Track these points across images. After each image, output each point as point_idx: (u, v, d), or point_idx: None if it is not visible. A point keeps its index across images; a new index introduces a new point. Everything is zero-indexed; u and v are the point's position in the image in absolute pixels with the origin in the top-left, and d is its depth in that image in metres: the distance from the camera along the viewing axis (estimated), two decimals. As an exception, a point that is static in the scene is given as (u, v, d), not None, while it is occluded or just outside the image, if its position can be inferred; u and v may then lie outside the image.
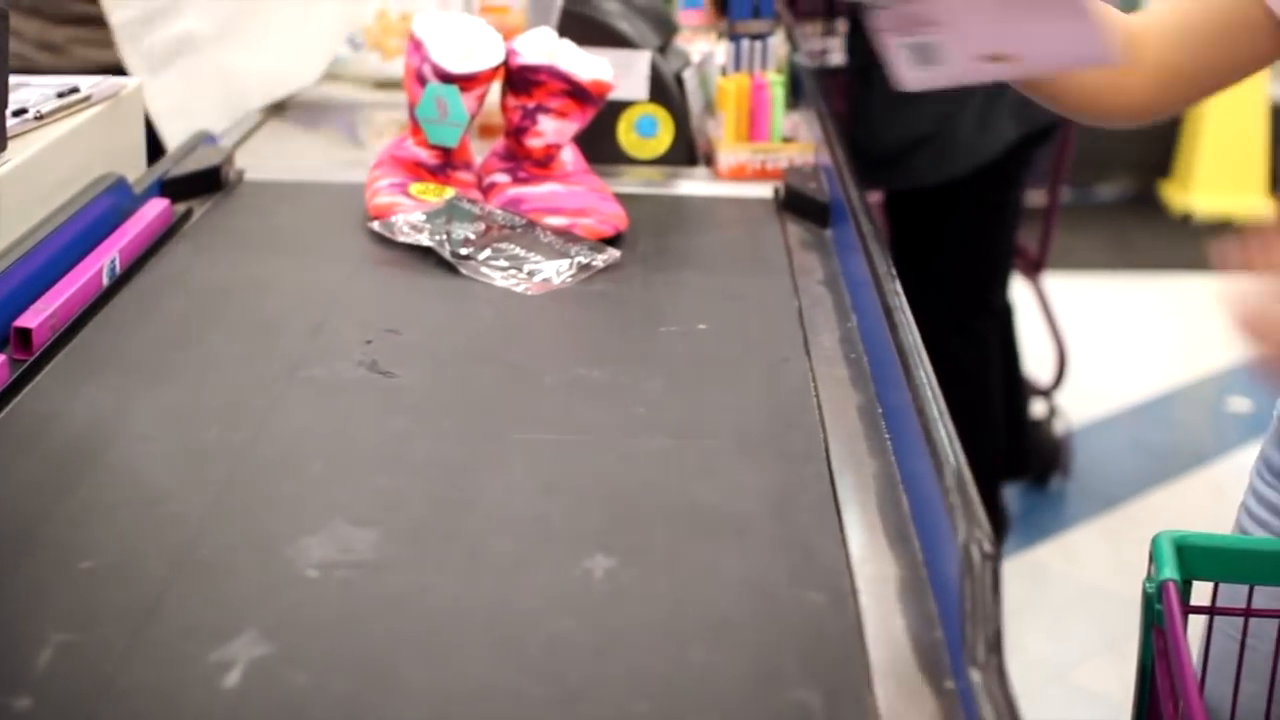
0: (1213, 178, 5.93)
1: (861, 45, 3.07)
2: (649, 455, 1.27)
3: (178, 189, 1.87)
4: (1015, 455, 3.62)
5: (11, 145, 1.59)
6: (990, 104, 2.95)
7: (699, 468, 1.25)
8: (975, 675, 0.94)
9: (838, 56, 3.43)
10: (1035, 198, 3.97)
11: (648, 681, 0.97)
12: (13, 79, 1.68)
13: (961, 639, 0.98)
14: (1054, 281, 4.12)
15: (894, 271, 1.53)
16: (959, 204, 3.09)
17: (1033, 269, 4.00)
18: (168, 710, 0.93)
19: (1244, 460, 3.27)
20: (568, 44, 1.88)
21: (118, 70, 2.20)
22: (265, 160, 2.12)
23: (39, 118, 1.67)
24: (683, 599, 1.06)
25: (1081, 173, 5.75)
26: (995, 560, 0.99)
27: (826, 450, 1.29)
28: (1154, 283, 5.42)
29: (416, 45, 1.85)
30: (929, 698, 0.97)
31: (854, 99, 3.09)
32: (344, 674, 0.97)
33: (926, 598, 1.08)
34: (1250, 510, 1.50)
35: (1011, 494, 3.82)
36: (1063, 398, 3.99)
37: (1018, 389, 3.60)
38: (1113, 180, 6.26)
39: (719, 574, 1.09)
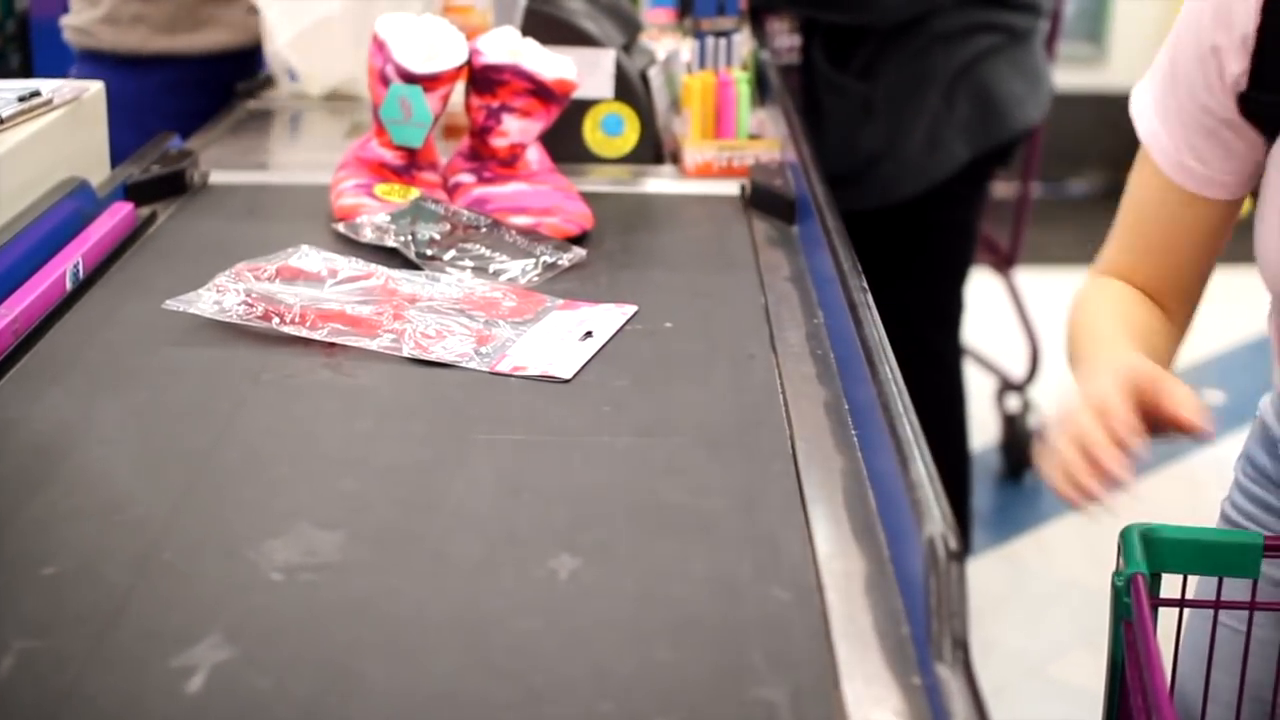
0: (1182, 171, 5.92)
1: (806, 81, 3.01)
2: (614, 454, 1.27)
3: (142, 192, 1.86)
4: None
5: (-29, 150, 1.59)
6: (940, 124, 2.88)
7: (665, 466, 1.25)
8: (942, 671, 0.94)
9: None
10: (1006, 191, 3.97)
11: (613, 681, 0.96)
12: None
13: (928, 635, 0.97)
14: (1026, 276, 4.12)
15: (859, 267, 1.53)
16: (909, 225, 2.98)
17: (1005, 263, 4.00)
18: (131, 716, 0.93)
19: (1219, 453, 3.26)
20: (531, 43, 1.87)
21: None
22: (230, 162, 2.11)
23: (0, 122, 1.65)
24: (648, 597, 1.05)
25: (1053, 167, 5.77)
26: (960, 556, 0.98)
27: (793, 447, 1.29)
28: (1125, 276, 5.41)
29: (380, 46, 1.84)
30: (896, 694, 0.96)
31: (807, 129, 3.03)
32: (307, 677, 0.96)
33: (893, 594, 1.07)
34: (1237, 505, 1.50)
35: (986, 488, 3.83)
36: (1036, 392, 3.99)
37: (960, 464, 3.47)
38: (1084, 174, 6.28)
39: (685, 572, 1.09)
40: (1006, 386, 3.96)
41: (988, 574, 3.48)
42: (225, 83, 2.56)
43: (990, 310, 3.66)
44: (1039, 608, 3.40)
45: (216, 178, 2.02)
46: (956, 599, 0.97)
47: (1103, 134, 6.14)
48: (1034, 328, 3.97)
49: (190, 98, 2.47)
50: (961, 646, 0.96)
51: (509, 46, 1.85)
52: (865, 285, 1.48)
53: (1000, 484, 3.89)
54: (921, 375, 3.02)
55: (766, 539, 1.13)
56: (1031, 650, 3.21)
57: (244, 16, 2.57)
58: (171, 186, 1.92)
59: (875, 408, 1.23)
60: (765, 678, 0.96)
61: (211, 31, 2.54)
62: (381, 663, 0.97)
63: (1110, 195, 5.77)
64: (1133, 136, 1.45)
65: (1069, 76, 4.94)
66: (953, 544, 0.98)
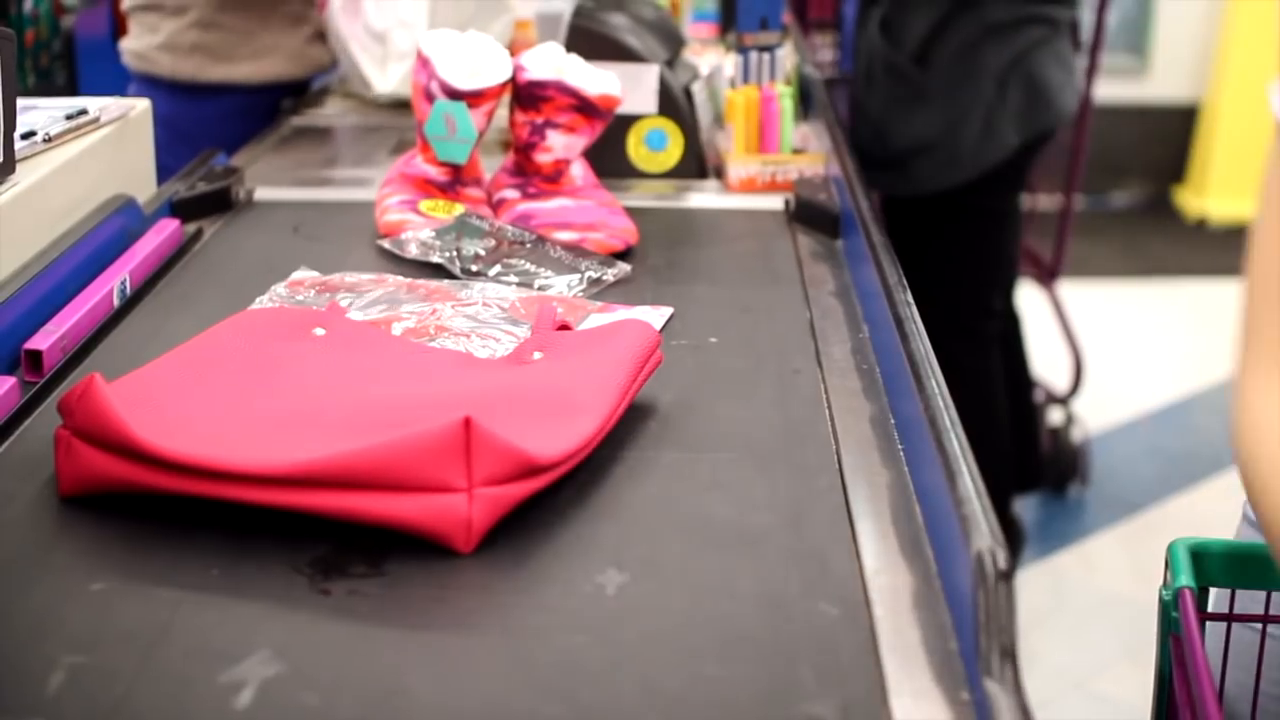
0: (1227, 182, 5.92)
1: (866, 47, 3.07)
2: (661, 469, 1.26)
3: (188, 209, 1.87)
4: (1027, 467, 3.61)
5: (20, 168, 1.59)
6: (994, 112, 2.95)
7: (711, 481, 1.25)
8: (991, 686, 0.93)
9: (846, 65, 3.45)
10: (1049, 204, 3.97)
11: (661, 697, 0.96)
12: (21, 102, 1.68)
13: (976, 650, 0.97)
14: (1069, 289, 4.11)
15: (905, 282, 1.53)
16: (959, 210, 3.09)
17: (1048, 276, 3.99)
18: (179, 732, 0.93)
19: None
20: (575, 58, 1.87)
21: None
22: (275, 179, 2.12)
23: (47, 140, 1.66)
24: (696, 613, 1.05)
25: (1095, 179, 5.75)
26: (1008, 571, 0.98)
27: (839, 462, 1.28)
28: (1169, 288, 5.41)
29: (424, 63, 1.85)
30: (945, 710, 0.96)
31: (856, 101, 3.09)
32: (355, 693, 0.96)
33: (941, 609, 1.07)
34: (1249, 518, 1.48)
35: (1030, 502, 3.81)
36: (1080, 405, 3.98)
37: (1027, 399, 3.59)
38: (1127, 186, 6.26)
39: (732, 587, 1.09)
40: (1050, 400, 3.95)
41: (1031, 587, 3.47)
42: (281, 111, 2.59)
43: (1034, 323, 3.66)
44: (1082, 621, 3.39)
45: (262, 194, 2.03)
46: (1005, 614, 0.97)
47: (1146, 145, 6.15)
48: (1077, 341, 3.96)
49: (246, 125, 2.49)
50: (1010, 661, 0.95)
51: (553, 62, 1.86)
52: (910, 299, 1.48)
53: (1044, 497, 3.88)
54: (962, 362, 3.08)
55: (814, 554, 1.13)
56: (1075, 664, 3.20)
57: (303, 46, 2.58)
58: (217, 203, 1.93)
59: (922, 422, 1.22)
60: (814, 693, 0.96)
61: (269, 61, 2.56)
62: (429, 679, 0.98)
63: (1153, 208, 5.78)
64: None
65: (1111, 88, 4.94)
66: (1001, 560, 0.98)
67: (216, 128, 2.40)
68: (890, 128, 3.01)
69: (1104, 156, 5.51)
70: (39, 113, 1.72)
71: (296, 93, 2.64)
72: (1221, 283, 5.25)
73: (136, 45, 2.54)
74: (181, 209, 1.87)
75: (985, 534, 1.01)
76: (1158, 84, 6.14)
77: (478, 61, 1.84)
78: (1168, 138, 6.11)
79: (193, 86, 2.48)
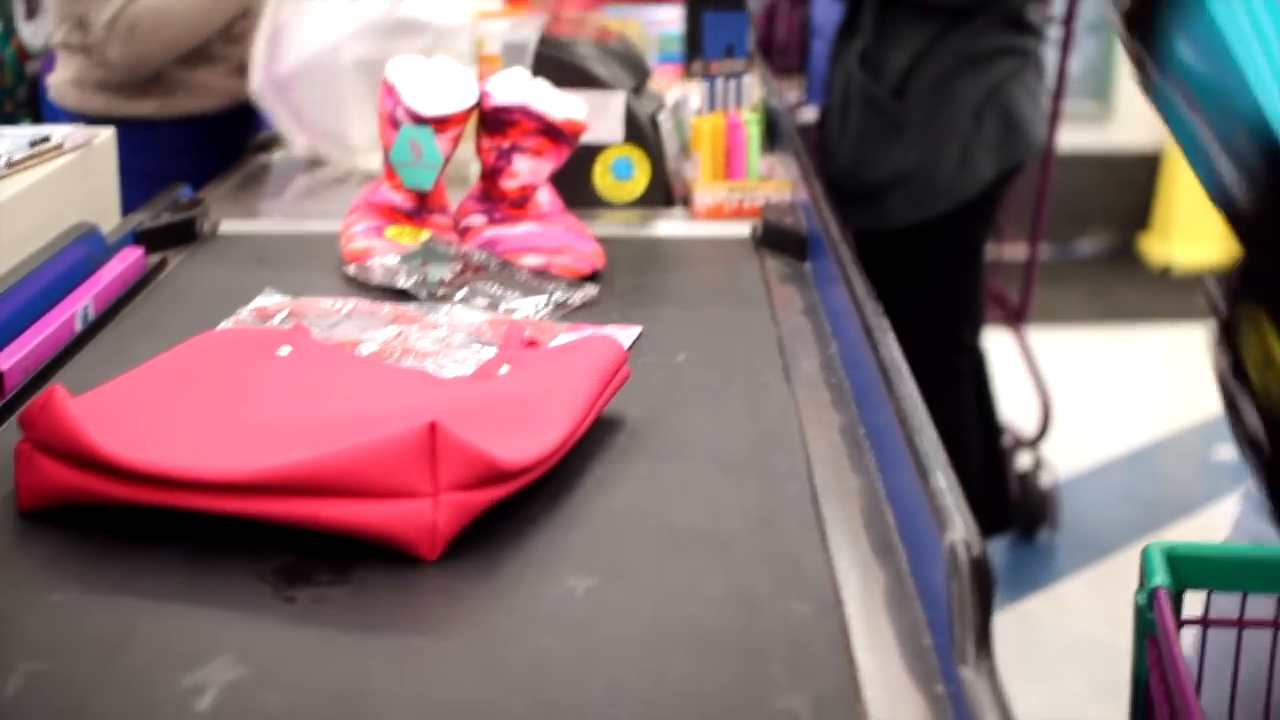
0: (1191, 229, 5.93)
1: (842, 81, 3.08)
2: (629, 478, 1.25)
3: (152, 239, 1.86)
4: (996, 510, 3.60)
5: (-19, 192, 1.59)
6: (971, 143, 2.96)
7: (679, 489, 1.23)
8: (966, 674, 0.92)
9: (810, 113, 3.46)
10: (1015, 252, 3.98)
11: (631, 694, 0.94)
12: (-15, 129, 1.68)
13: (950, 643, 0.96)
14: (1036, 336, 4.11)
15: (875, 294, 1.52)
16: (933, 243, 3.11)
17: (1015, 318, 4.00)
18: (140, 734, 0.91)
19: (1232, 509, 3.26)
20: (541, 83, 1.87)
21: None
22: (240, 213, 2.11)
23: (10, 165, 1.65)
24: (665, 614, 1.04)
25: (1060, 227, 5.77)
26: (982, 561, 0.97)
27: (809, 469, 1.27)
28: (1137, 334, 5.42)
29: (389, 89, 1.84)
30: (920, 703, 0.95)
31: (828, 138, 3.10)
32: (321, 694, 0.94)
33: (914, 606, 1.06)
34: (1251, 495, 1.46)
35: (1000, 546, 3.80)
36: (1049, 449, 3.97)
37: (995, 442, 3.59)
38: (1092, 234, 6.28)
39: (702, 589, 1.07)
40: (1018, 444, 3.94)
41: (1003, 632, 3.43)
42: (206, 143, 2.55)
43: (1001, 367, 3.66)
44: (1054, 665, 3.37)
45: (227, 227, 2.01)
46: (979, 605, 0.96)
47: (1110, 193, 6.17)
48: (1045, 384, 3.96)
49: (167, 161, 2.45)
50: (986, 651, 0.94)
51: (519, 88, 1.85)
52: (882, 310, 1.47)
53: (1013, 541, 3.87)
54: (935, 397, 3.08)
55: (785, 556, 1.12)
56: (1048, 708, 3.18)
57: (223, 80, 2.56)
58: (182, 234, 1.92)
59: (893, 426, 1.21)
60: (786, 688, 0.95)
61: (186, 97, 2.54)
62: (396, 679, 0.96)
63: (1118, 255, 5.80)
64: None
65: (1075, 135, 4.95)
66: (975, 549, 0.97)
67: (133, 162, 2.36)
68: (866, 161, 3.02)
69: (1068, 204, 5.53)
70: (2, 140, 1.71)
71: (235, 134, 2.60)
72: (1188, 328, 5.26)
73: (55, 80, 2.54)
74: (146, 239, 1.85)
75: (959, 525, 1.00)
76: (1121, 131, 6.16)
77: (443, 87, 1.83)
78: (1132, 185, 6.13)
79: (106, 120, 2.45)
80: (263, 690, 0.95)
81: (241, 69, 2.58)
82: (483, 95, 1.85)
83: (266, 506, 1.10)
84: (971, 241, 3.18)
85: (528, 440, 1.20)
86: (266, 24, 2.48)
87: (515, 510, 1.17)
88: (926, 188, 3.00)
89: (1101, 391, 4.91)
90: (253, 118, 2.61)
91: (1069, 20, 3.73)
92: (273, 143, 2.61)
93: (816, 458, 1.30)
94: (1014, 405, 3.92)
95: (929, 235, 3.08)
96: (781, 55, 3.85)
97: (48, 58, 2.89)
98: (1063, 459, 4.09)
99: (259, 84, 2.45)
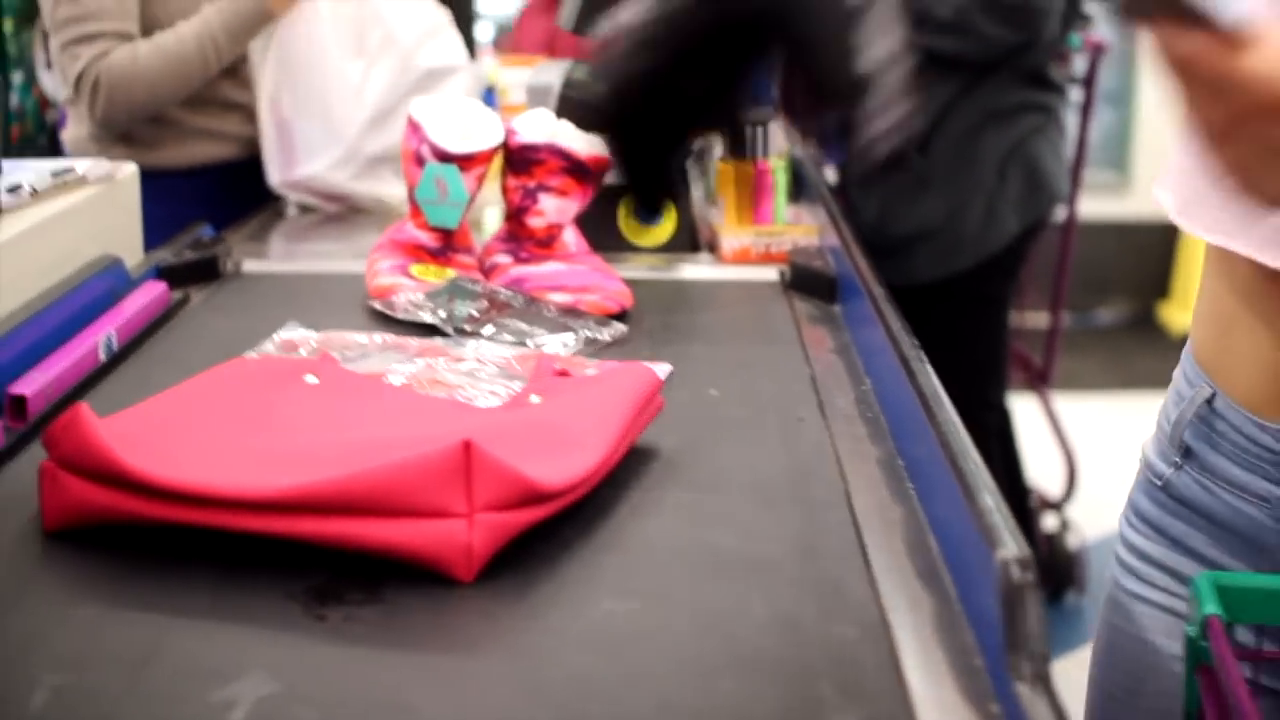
0: (1210, 299, 5.89)
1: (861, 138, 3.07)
2: (666, 506, 1.22)
3: (175, 276, 1.84)
4: None
5: (5, 220, 1.56)
6: (995, 198, 2.95)
7: (718, 516, 1.20)
8: (1022, 690, 0.89)
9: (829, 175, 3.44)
10: (1036, 321, 3.96)
11: (677, 713, 0.92)
12: (7, 163, 1.66)
13: (1004, 663, 0.93)
14: (1059, 403, 4.08)
15: (910, 329, 1.50)
16: (958, 299, 3.08)
17: (1039, 380, 3.97)
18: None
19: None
20: (566, 125, 1.85)
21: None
22: (262, 254, 2.09)
23: (33, 193, 1.63)
24: (708, 636, 1.01)
25: (1080, 296, 5.75)
26: (1034, 577, 0.94)
27: (848, 499, 1.24)
28: (1158, 402, 5.38)
29: (414, 127, 1.82)
30: (973, 722, 0.92)
31: (851, 194, 3.08)
32: (355, 710, 0.92)
33: (963, 629, 1.03)
34: (1122, 561, 1.42)
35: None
36: (1074, 511, 3.93)
37: (1021, 501, 3.56)
38: (1111, 303, 6.25)
39: (745, 612, 1.04)
40: (1044, 505, 3.90)
41: (1029, 695, 3.41)
42: (226, 190, 2.54)
43: (1026, 429, 3.63)
44: (1083, 728, 3.32)
45: (250, 266, 2.00)
46: (1033, 622, 0.93)
47: (1129, 261, 6.15)
48: (1070, 445, 3.93)
49: (184, 210, 2.42)
50: (1042, 668, 0.91)
51: (545, 127, 1.83)
52: (919, 344, 1.45)
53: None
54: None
55: (828, 581, 1.09)
56: (1077, 768, 3.13)
57: (239, 126, 2.55)
58: (205, 272, 1.90)
59: (934, 456, 1.19)
60: (837, 708, 0.92)
61: (204, 144, 2.53)
62: (433, 697, 0.93)
63: (1138, 324, 5.76)
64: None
65: (1094, 204, 4.93)
66: (1027, 567, 0.94)
67: (154, 210, 2.34)
68: (891, 216, 3.00)
69: (1088, 273, 5.50)
70: (26, 171, 1.70)
71: (247, 184, 2.58)
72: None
73: (70, 135, 2.52)
74: (168, 275, 1.83)
75: (1009, 543, 0.97)
76: (1139, 200, 6.14)
77: (469, 125, 1.81)
78: (1150, 254, 6.11)
79: None
80: (295, 706, 0.92)
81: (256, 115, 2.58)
82: (508, 134, 1.83)
83: (298, 526, 1.07)
84: (997, 296, 3.16)
85: (562, 464, 1.17)
86: (266, 110, 2.47)
87: (550, 534, 1.14)
88: (951, 243, 2.98)
89: (1124, 456, 4.85)
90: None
91: (1089, 82, 3.72)
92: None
93: (856, 488, 1.27)
94: (1039, 468, 3.88)
95: (954, 290, 3.05)
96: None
97: (62, 111, 2.88)
98: (1088, 522, 4.04)
99: (278, 182, 2.45)
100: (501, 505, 1.09)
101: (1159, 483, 1.36)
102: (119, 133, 2.46)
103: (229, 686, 0.94)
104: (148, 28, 2.43)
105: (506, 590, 1.07)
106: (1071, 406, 4.57)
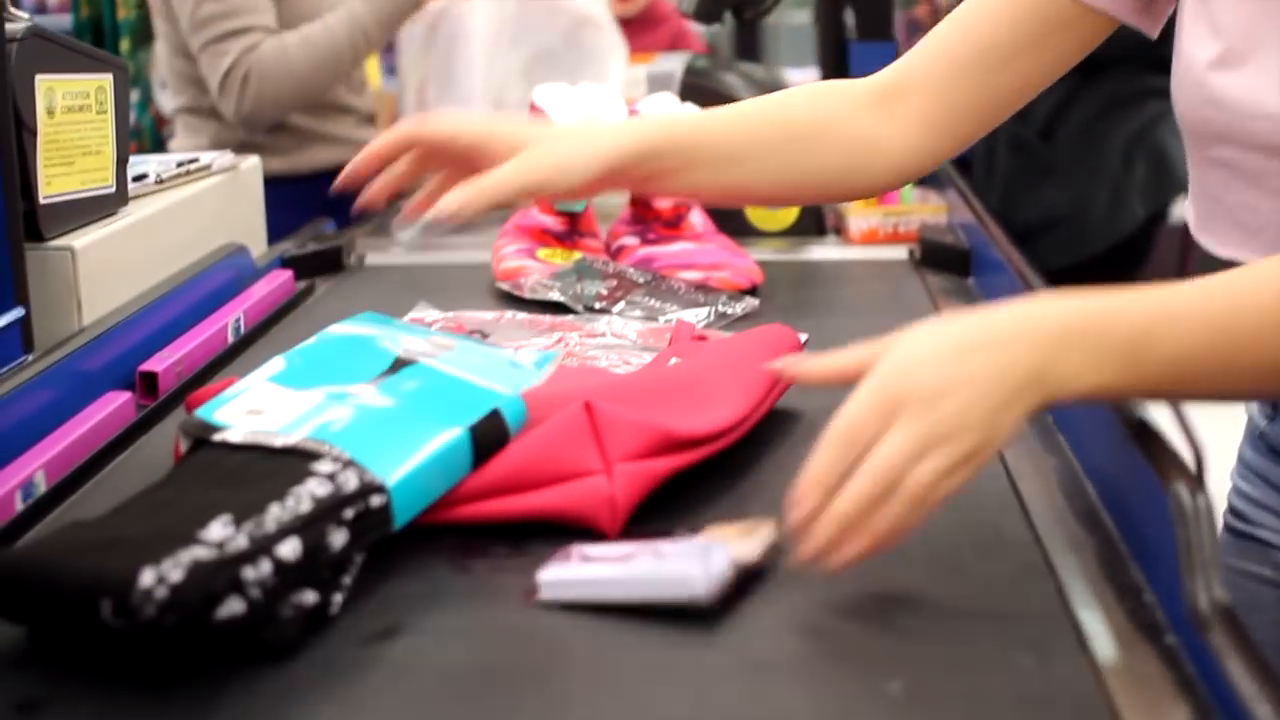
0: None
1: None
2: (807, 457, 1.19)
3: (299, 267, 1.83)
4: None
5: (132, 205, 1.56)
6: (1121, 185, 2.90)
7: (866, 469, 1.17)
8: (1204, 615, 0.85)
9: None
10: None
11: (841, 651, 0.88)
12: (136, 157, 1.66)
13: (1181, 590, 0.89)
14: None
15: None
16: (1084, 284, 3.03)
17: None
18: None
19: None
20: (691, 106, 1.82)
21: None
22: (384, 249, 2.08)
23: (159, 182, 1.63)
24: (861, 575, 0.98)
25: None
26: (1208, 502, 0.91)
27: (999, 453, 1.20)
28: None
29: (537, 112, 1.80)
30: (1150, 654, 0.88)
31: (974, 182, 3.04)
32: (506, 651, 0.89)
33: (1130, 567, 0.99)
34: (1232, 506, 1.38)
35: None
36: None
37: None
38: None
39: (899, 553, 0.99)
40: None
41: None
42: (336, 202, 2.52)
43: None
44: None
45: (373, 259, 1.99)
46: (1208, 546, 0.89)
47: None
48: (1197, 439, 3.85)
49: (306, 216, 2.42)
50: (1219, 594, 0.87)
51: (670, 109, 1.81)
52: None
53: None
54: None
55: (986, 526, 1.06)
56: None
57: (353, 130, 2.55)
58: (329, 263, 1.89)
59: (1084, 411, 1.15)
60: (1005, 643, 0.88)
61: (318, 150, 2.52)
62: (585, 639, 0.90)
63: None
64: None
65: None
66: (1199, 492, 0.91)
67: (272, 218, 2.33)
68: (1015, 204, 2.97)
69: (1203, 274, 5.42)
70: (151, 163, 1.70)
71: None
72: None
73: (183, 147, 2.52)
74: (293, 265, 1.82)
75: (1182, 470, 0.94)
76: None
77: (592, 109, 1.79)
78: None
79: None
80: (446, 647, 0.90)
81: (371, 119, 2.57)
82: (632, 115, 1.81)
83: (449, 514, 1.05)
84: (1125, 284, 3.11)
85: (703, 415, 1.14)
86: (412, 100, 2.47)
87: (693, 488, 1.12)
88: (1077, 231, 2.94)
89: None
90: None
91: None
92: (404, 193, 2.58)
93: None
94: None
95: (1081, 279, 3.00)
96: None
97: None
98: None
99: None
100: (638, 454, 1.07)
101: (1257, 433, 1.33)
102: (239, 141, 2.46)
103: (383, 620, 0.92)
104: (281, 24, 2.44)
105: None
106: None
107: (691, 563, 0.93)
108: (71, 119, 1.45)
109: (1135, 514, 1.02)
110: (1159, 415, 1.07)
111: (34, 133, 1.38)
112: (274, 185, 2.09)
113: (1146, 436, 1.03)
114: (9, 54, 1.35)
